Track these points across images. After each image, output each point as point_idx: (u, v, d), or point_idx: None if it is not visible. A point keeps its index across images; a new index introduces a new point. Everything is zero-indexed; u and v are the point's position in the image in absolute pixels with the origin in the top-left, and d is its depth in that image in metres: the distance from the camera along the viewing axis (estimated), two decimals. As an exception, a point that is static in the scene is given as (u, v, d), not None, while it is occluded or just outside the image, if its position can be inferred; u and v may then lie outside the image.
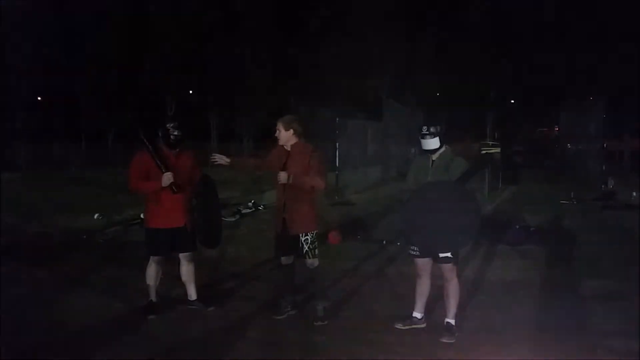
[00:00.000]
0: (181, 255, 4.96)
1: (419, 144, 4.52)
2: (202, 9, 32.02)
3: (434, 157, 4.46)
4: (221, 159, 4.78)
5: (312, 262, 4.74)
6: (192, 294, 5.06)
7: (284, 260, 4.83)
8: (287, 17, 33.54)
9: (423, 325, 4.59)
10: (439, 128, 4.41)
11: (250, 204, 11.00)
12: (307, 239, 4.71)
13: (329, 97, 27.40)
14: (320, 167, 4.72)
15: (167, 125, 4.75)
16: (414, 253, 4.50)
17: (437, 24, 31.92)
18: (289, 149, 4.75)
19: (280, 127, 4.74)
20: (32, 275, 6.19)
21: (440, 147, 4.43)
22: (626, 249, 7.33)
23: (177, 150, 4.84)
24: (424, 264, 4.53)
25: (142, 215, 7.46)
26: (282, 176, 4.61)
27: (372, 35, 30.89)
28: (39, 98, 31.57)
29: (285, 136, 4.74)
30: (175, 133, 4.75)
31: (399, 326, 4.56)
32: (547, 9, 30.21)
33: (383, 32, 30.88)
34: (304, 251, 4.71)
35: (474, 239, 5.96)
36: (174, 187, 4.64)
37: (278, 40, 33.26)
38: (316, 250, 4.75)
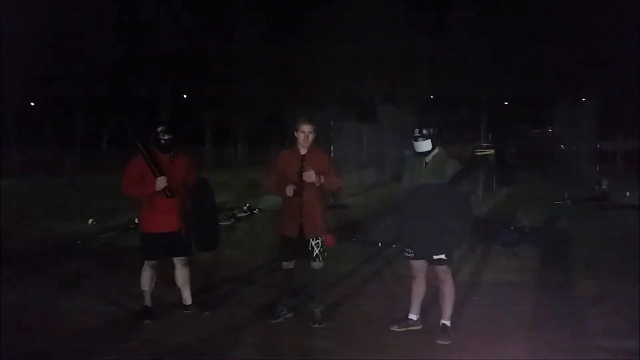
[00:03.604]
0: (176, 260, 4.94)
1: (413, 146, 4.54)
2: (197, 11, 32.02)
3: (427, 159, 4.47)
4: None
5: (319, 264, 4.74)
6: (188, 298, 5.05)
7: (286, 265, 4.80)
8: (282, 20, 33.62)
9: (419, 327, 4.60)
10: (431, 130, 4.42)
11: (245, 207, 10.97)
12: (318, 242, 4.69)
13: (324, 100, 27.42)
14: (338, 169, 4.73)
15: (158, 129, 4.72)
16: (409, 255, 4.51)
17: (430, 26, 32.02)
18: (303, 153, 4.67)
19: (311, 129, 4.62)
20: (27, 281, 6.16)
21: (433, 149, 4.44)
22: (620, 249, 7.36)
23: (172, 154, 4.82)
24: (419, 265, 4.54)
25: (136, 220, 7.44)
26: (313, 177, 4.50)
27: (367, 38, 30.98)
28: (32, 103, 31.44)
29: (312, 139, 4.65)
30: (166, 137, 4.72)
31: (395, 328, 4.57)
32: (540, 9, 30.35)
33: (377, 35, 30.97)
34: (314, 254, 4.68)
35: (467, 241, 5.97)
36: (167, 192, 4.63)
37: (273, 43, 33.29)
38: (325, 254, 4.75)
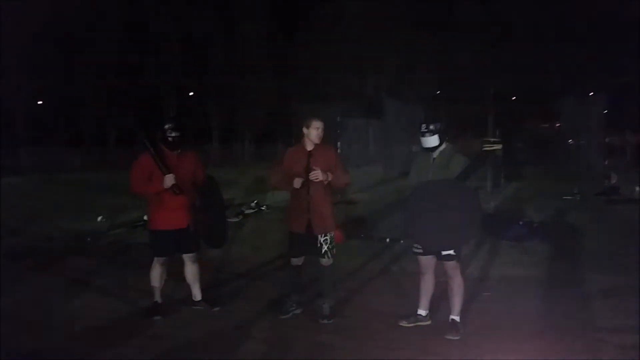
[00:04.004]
0: (185, 256, 4.96)
1: (420, 141, 4.52)
2: (203, 9, 32.02)
3: (435, 154, 4.46)
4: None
5: (329, 261, 4.74)
6: (197, 294, 5.08)
7: (295, 261, 4.81)
8: (287, 17, 33.55)
9: (428, 323, 4.60)
10: (438, 125, 4.40)
11: (253, 204, 10.99)
12: (327, 239, 4.70)
13: (330, 96, 27.40)
14: (343, 164, 4.77)
15: (165, 126, 4.73)
16: (418, 251, 4.50)
17: (437, 21, 31.87)
18: (309, 149, 4.67)
19: (323, 125, 4.65)
20: (36, 278, 6.21)
21: (440, 144, 4.43)
22: (630, 244, 7.32)
23: (179, 151, 4.84)
24: (427, 261, 4.53)
25: (145, 217, 7.48)
26: (320, 177, 4.53)
27: (372, 34, 30.90)
28: (40, 102, 31.59)
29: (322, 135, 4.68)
30: (173, 134, 4.73)
31: (403, 324, 4.57)
32: (547, 4, 30.14)
33: (383, 30, 30.88)
34: (323, 251, 4.69)
35: (476, 236, 5.96)
36: (175, 189, 4.65)
37: (278, 40, 33.27)
38: (334, 250, 4.76)
